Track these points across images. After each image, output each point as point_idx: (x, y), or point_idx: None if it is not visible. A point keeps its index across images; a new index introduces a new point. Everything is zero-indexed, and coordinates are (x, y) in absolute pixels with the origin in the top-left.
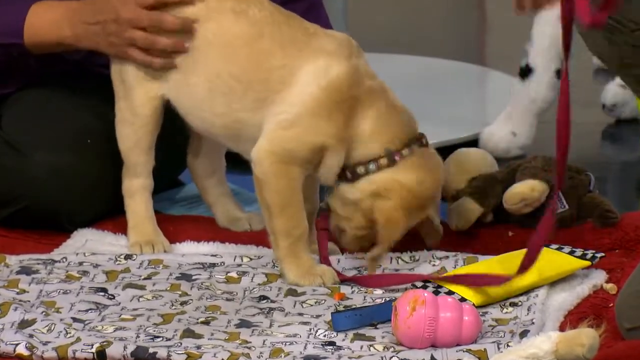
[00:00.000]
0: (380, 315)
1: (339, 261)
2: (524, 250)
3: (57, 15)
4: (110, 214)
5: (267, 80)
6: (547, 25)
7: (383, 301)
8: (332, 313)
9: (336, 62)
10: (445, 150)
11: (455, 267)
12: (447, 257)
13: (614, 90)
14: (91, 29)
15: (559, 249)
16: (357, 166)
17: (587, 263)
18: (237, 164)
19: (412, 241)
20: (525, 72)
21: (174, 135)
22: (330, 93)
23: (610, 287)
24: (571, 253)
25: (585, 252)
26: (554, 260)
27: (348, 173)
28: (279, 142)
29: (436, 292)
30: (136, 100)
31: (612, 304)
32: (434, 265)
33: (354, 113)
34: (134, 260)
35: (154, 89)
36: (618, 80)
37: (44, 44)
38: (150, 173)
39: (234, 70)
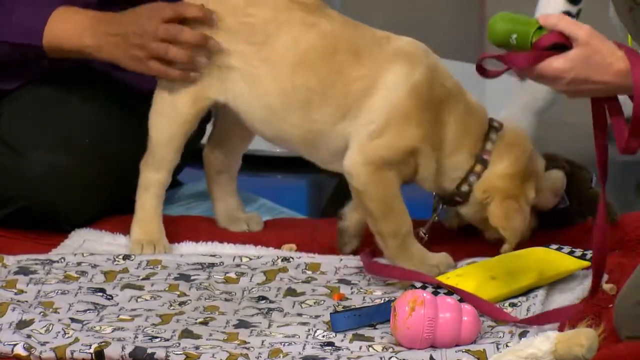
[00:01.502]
0: (380, 315)
1: (341, 259)
2: (523, 251)
3: (81, 23)
4: (108, 213)
5: (347, 92)
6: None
7: (382, 302)
8: (331, 313)
9: (415, 65)
10: None
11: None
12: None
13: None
14: (112, 40)
15: (558, 249)
16: (461, 186)
17: (587, 263)
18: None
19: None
20: None
21: None
22: (416, 97)
23: (610, 288)
24: (571, 253)
25: (585, 252)
26: (553, 260)
27: (457, 198)
28: (372, 151)
29: (435, 293)
30: (181, 99)
31: (611, 305)
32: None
33: (439, 116)
34: (132, 260)
35: (204, 92)
36: None
37: (63, 50)
38: (172, 171)
39: (311, 83)
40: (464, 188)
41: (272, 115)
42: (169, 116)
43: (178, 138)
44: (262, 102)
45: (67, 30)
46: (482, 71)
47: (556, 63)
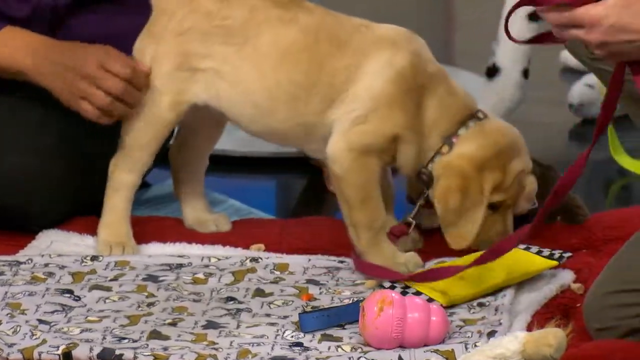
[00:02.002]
0: (348, 315)
1: (309, 259)
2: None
3: (25, 44)
4: (75, 215)
5: (332, 82)
6: (514, 24)
7: (351, 302)
8: (299, 314)
9: (398, 51)
10: None
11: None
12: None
13: (581, 89)
14: (52, 68)
15: (526, 248)
16: (427, 165)
17: (555, 263)
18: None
19: None
20: (493, 72)
21: None
22: (399, 83)
23: (578, 287)
24: (539, 253)
25: (553, 252)
26: (521, 260)
27: (424, 177)
28: (356, 137)
29: (404, 293)
30: (162, 104)
31: (579, 304)
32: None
33: (421, 101)
34: (100, 261)
35: (183, 96)
36: (585, 79)
37: (2, 69)
38: (143, 174)
39: (295, 77)
40: (429, 167)
41: (258, 113)
42: (150, 121)
43: (155, 142)
44: (248, 100)
45: (10, 49)
46: (509, 34)
47: (594, 9)
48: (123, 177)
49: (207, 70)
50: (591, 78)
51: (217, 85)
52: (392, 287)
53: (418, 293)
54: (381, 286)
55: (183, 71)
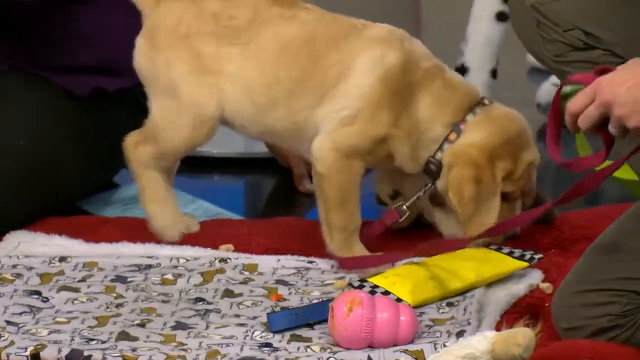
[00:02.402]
0: (317, 314)
1: (278, 260)
2: (462, 251)
3: None
4: (42, 214)
5: (324, 78)
6: (482, 24)
7: (320, 301)
8: (267, 313)
9: (390, 49)
10: None
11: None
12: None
13: (549, 89)
14: None
15: (498, 249)
16: (435, 154)
17: (526, 264)
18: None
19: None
20: (461, 72)
21: (108, 136)
22: (388, 82)
23: (547, 287)
24: (510, 254)
25: (524, 253)
26: (492, 260)
27: (432, 167)
28: (343, 138)
29: (372, 292)
30: (199, 101)
31: (548, 304)
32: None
33: (412, 99)
34: (68, 262)
35: (213, 101)
36: (553, 79)
37: None
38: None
39: (292, 73)
40: (438, 155)
41: (257, 112)
42: (187, 137)
43: (195, 146)
44: (249, 99)
45: None
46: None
47: (608, 76)
48: (153, 161)
49: (218, 73)
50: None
51: (224, 88)
52: (361, 287)
53: (387, 293)
54: (350, 285)
55: (201, 74)
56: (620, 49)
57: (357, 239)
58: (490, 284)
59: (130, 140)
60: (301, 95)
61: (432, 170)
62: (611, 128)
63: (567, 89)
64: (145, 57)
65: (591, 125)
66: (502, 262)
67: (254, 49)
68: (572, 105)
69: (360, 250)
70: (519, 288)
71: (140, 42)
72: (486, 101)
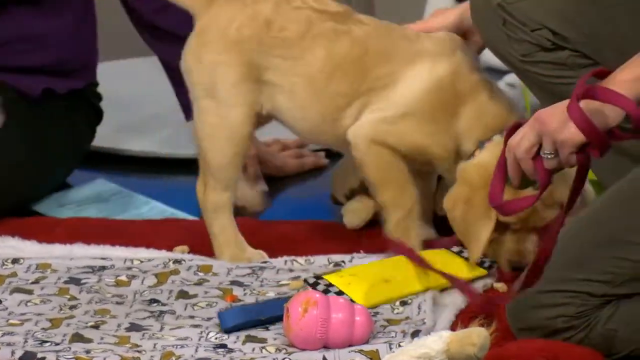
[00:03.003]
0: (269, 310)
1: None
2: (421, 253)
3: None
4: None
5: (372, 89)
6: (440, 4)
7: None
8: (218, 312)
9: (439, 61)
10: (335, 152)
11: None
12: (342, 261)
13: (504, 89)
14: None
15: (459, 252)
16: None
17: (484, 272)
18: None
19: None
20: None
21: (62, 136)
22: (435, 94)
23: (501, 286)
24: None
25: (484, 260)
26: (450, 266)
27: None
28: (382, 134)
29: (326, 292)
30: (238, 118)
31: (503, 303)
32: (328, 268)
33: (457, 111)
34: (21, 264)
35: (255, 107)
36: (507, 79)
37: None
38: (235, 187)
39: (342, 89)
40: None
41: (311, 126)
42: (227, 138)
43: (237, 158)
44: (302, 115)
45: None
46: None
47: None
48: (220, 197)
49: (268, 82)
50: (513, 77)
51: (276, 97)
52: (315, 284)
53: (340, 293)
54: (305, 281)
55: (250, 82)
56: (589, 50)
57: (414, 220)
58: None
59: (199, 188)
60: (346, 107)
61: None
62: (544, 154)
63: None
64: (193, 57)
65: (526, 150)
66: (460, 268)
67: (306, 65)
68: (512, 140)
69: (417, 234)
70: (473, 288)
71: (191, 41)
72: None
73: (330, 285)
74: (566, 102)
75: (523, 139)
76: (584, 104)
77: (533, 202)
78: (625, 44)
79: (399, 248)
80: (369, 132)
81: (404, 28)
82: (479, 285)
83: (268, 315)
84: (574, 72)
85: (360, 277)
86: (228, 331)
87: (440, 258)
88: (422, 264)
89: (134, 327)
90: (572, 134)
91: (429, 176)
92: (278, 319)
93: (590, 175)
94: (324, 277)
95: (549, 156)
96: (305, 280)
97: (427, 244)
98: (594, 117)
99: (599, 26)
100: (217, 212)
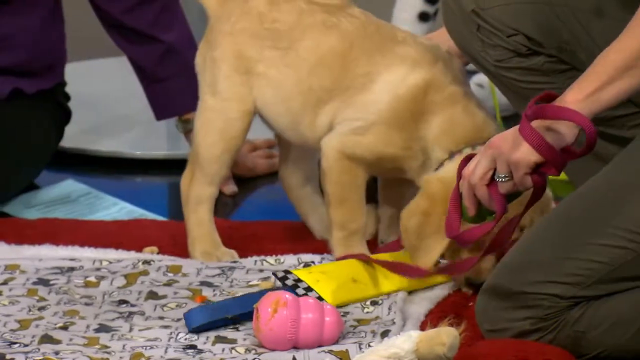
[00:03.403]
0: (235, 308)
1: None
2: (390, 254)
3: None
4: None
5: (349, 87)
6: (404, 25)
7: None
8: (184, 313)
9: (417, 69)
10: None
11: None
12: (312, 261)
13: (472, 89)
14: None
15: None
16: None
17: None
18: (96, 166)
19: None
20: None
21: (30, 137)
22: (406, 102)
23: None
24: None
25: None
26: None
27: None
28: (350, 145)
29: (295, 287)
30: (232, 113)
31: (471, 303)
32: (297, 268)
33: (427, 118)
34: None
35: (248, 103)
36: (475, 79)
37: None
38: (220, 185)
39: (325, 83)
40: None
41: (293, 120)
42: (221, 132)
43: (228, 153)
44: (286, 107)
45: None
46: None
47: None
48: (203, 191)
49: (259, 75)
50: (481, 78)
51: (262, 90)
52: (284, 279)
53: (309, 289)
54: (274, 275)
55: (241, 74)
56: (565, 55)
57: (359, 241)
58: None
59: (184, 180)
60: (326, 103)
61: None
62: (498, 176)
63: None
64: (201, 56)
65: (481, 176)
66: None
67: (293, 56)
68: (466, 169)
69: (359, 252)
70: (443, 288)
71: (202, 41)
72: None
73: (299, 280)
74: (517, 126)
75: (477, 165)
76: (535, 123)
77: (489, 229)
78: (596, 49)
79: (351, 256)
80: (338, 144)
81: (395, 28)
82: (447, 286)
83: (234, 313)
84: (549, 78)
85: (330, 275)
86: (194, 331)
87: (406, 260)
88: (378, 262)
89: (103, 328)
90: (526, 153)
91: (402, 189)
92: (245, 316)
93: (563, 175)
94: (293, 271)
95: (504, 179)
96: (274, 274)
97: (385, 246)
98: (547, 135)
99: (574, 31)
100: (198, 205)
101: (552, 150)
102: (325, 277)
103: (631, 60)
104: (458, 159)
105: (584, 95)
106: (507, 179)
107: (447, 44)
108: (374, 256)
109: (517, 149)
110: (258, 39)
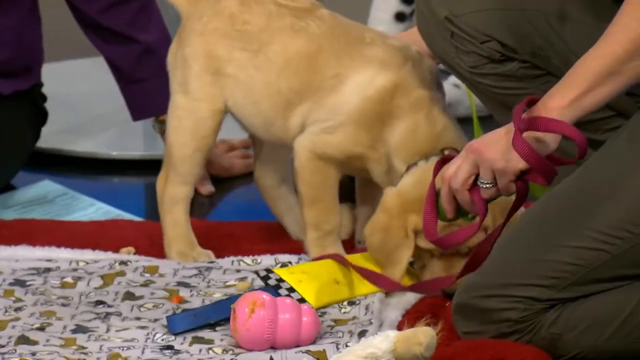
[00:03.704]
0: (216, 314)
1: (179, 262)
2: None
3: None
4: None
5: (319, 89)
6: (381, 25)
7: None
8: (166, 316)
9: (384, 72)
10: None
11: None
12: (289, 261)
13: (448, 89)
14: None
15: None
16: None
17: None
18: (73, 166)
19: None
20: None
21: (6, 137)
22: (373, 104)
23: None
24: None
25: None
26: None
27: None
28: (321, 144)
29: (277, 287)
30: (202, 112)
31: (448, 304)
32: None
33: (392, 123)
34: None
35: (219, 102)
36: (452, 79)
37: None
38: (194, 184)
39: (293, 85)
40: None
41: (265, 121)
42: (194, 131)
43: (200, 153)
44: (256, 108)
45: None
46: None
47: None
48: (177, 191)
49: (230, 76)
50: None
51: (234, 91)
52: (267, 278)
53: (291, 289)
54: (257, 273)
55: (212, 74)
56: (538, 61)
57: (334, 241)
58: None
59: (160, 182)
60: (297, 105)
61: None
62: (481, 182)
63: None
64: (172, 54)
65: (463, 182)
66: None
67: (262, 58)
68: (447, 171)
69: (334, 252)
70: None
71: (175, 39)
72: (446, 152)
73: (282, 280)
74: (500, 131)
75: (458, 170)
76: (525, 134)
77: (474, 232)
78: (570, 54)
79: (327, 256)
80: (309, 144)
81: (364, 29)
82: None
83: (216, 318)
84: (523, 84)
85: (312, 275)
86: (176, 334)
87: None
88: (355, 267)
89: (80, 329)
90: (514, 162)
91: (379, 188)
92: (227, 320)
93: None
94: (275, 270)
95: (487, 185)
96: (257, 273)
97: (362, 247)
98: (536, 146)
99: (547, 36)
100: (173, 206)
101: (540, 160)
102: (307, 277)
103: (612, 67)
104: (414, 172)
105: (567, 101)
106: (491, 185)
107: (418, 43)
108: (351, 256)
109: (504, 158)
110: (229, 39)
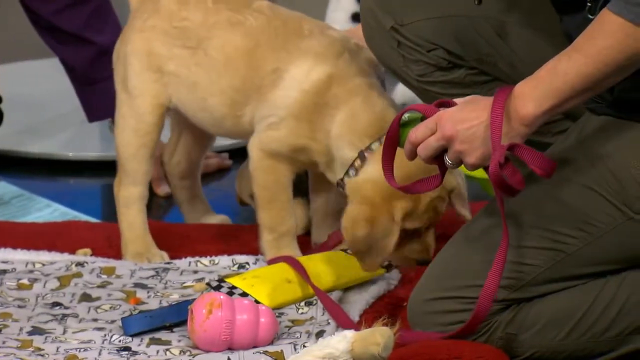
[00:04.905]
0: (172, 316)
1: (136, 263)
2: (322, 254)
3: None
4: None
5: (261, 85)
6: (337, 25)
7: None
8: (121, 318)
9: (320, 63)
10: (239, 153)
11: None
12: (247, 262)
13: (404, 90)
14: None
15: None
16: (343, 178)
17: (383, 271)
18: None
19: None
20: None
21: None
22: (311, 96)
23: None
24: None
25: None
26: (351, 266)
27: (341, 189)
28: (267, 141)
29: (230, 294)
30: (142, 108)
31: (405, 303)
32: (232, 270)
33: (331, 113)
34: None
35: (160, 97)
36: None
37: None
38: (148, 183)
39: (235, 83)
40: (345, 179)
41: (214, 119)
42: (135, 129)
43: (147, 148)
44: (204, 107)
45: None
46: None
47: (450, 110)
48: (129, 192)
49: (171, 73)
50: None
51: (177, 88)
52: (219, 287)
53: (244, 294)
54: (208, 285)
55: (153, 72)
56: (485, 66)
57: (289, 243)
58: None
59: (116, 184)
60: (243, 104)
61: (340, 192)
62: (447, 160)
63: (406, 117)
64: (115, 52)
65: (429, 156)
66: (359, 268)
67: (202, 55)
68: (414, 135)
69: (290, 254)
70: (377, 288)
71: (119, 37)
72: None
73: (234, 287)
74: (478, 124)
75: (428, 145)
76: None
77: (439, 184)
78: (516, 60)
79: (281, 258)
80: (258, 142)
81: (302, 20)
82: (381, 286)
83: (171, 320)
84: (472, 90)
85: (263, 278)
86: (132, 336)
87: (337, 259)
88: (302, 273)
89: (36, 331)
90: (486, 160)
91: (328, 193)
92: (183, 323)
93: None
94: (226, 279)
95: (452, 165)
96: (208, 284)
97: (318, 247)
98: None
99: (492, 43)
100: (127, 207)
101: (512, 168)
102: (259, 280)
103: (591, 85)
104: (374, 159)
105: (542, 111)
106: (455, 165)
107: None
108: (308, 257)
109: (476, 157)
110: (168, 37)
